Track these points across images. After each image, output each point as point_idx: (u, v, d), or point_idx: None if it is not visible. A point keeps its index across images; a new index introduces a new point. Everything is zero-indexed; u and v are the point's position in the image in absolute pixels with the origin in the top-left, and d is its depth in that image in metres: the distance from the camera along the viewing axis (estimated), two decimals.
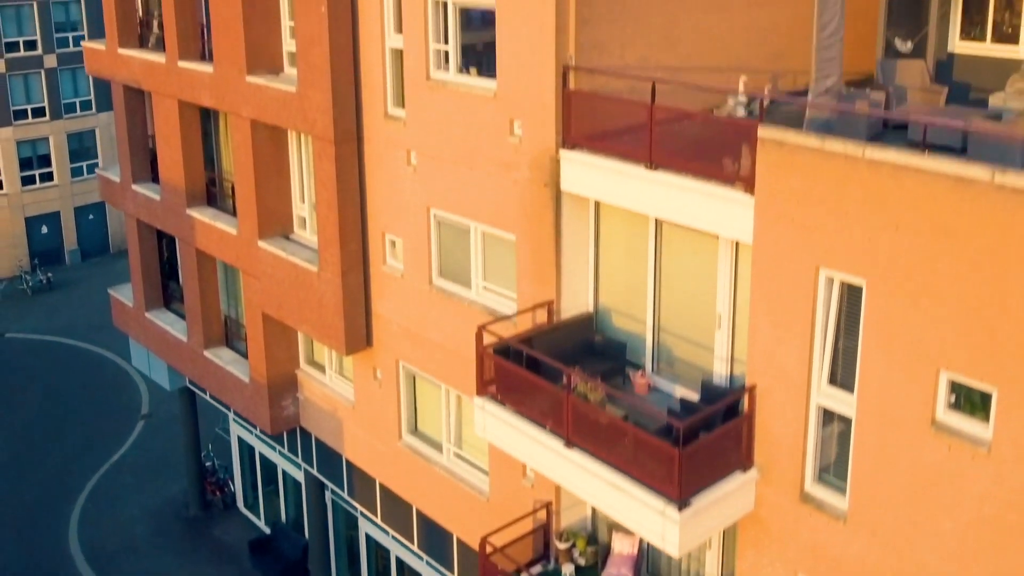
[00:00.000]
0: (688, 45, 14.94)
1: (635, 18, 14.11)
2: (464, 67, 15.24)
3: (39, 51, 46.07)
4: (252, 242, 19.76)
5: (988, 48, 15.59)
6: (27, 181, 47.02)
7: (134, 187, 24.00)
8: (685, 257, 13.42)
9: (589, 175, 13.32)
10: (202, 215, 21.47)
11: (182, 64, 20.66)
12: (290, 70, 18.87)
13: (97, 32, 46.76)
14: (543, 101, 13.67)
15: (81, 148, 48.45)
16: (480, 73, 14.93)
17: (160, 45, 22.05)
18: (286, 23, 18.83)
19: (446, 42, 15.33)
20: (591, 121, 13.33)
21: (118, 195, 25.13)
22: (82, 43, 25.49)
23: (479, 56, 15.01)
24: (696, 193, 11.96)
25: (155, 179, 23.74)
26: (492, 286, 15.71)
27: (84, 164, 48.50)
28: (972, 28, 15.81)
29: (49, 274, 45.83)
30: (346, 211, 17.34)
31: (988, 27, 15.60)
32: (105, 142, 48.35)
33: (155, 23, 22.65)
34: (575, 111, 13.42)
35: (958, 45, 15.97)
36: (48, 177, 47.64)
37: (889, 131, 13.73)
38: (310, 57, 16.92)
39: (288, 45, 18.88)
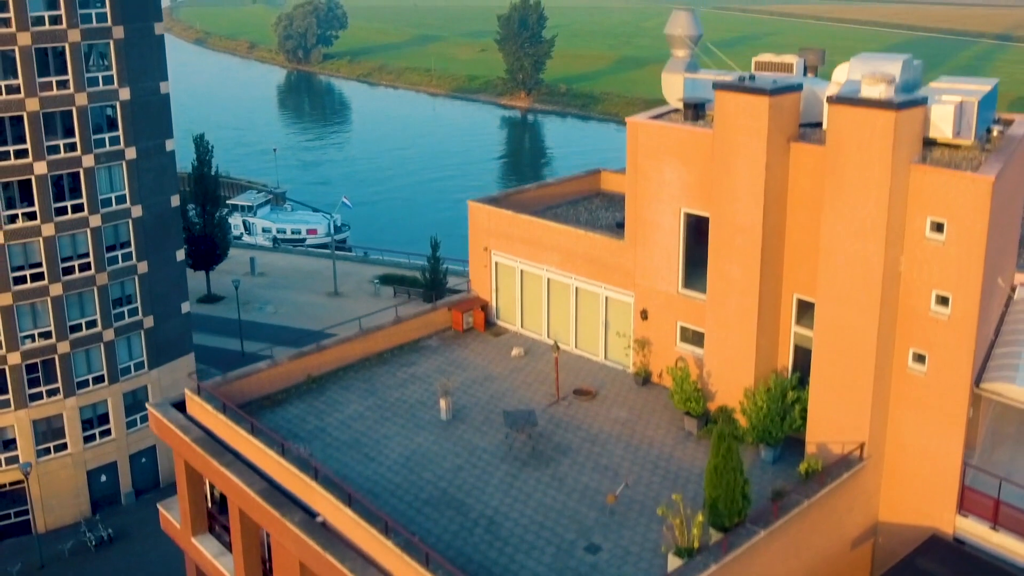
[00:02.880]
0: None
1: None
2: None
3: (99, 328, 50.99)
4: None
5: None
6: (88, 439, 51.91)
7: None
8: None
9: None
10: None
11: None
12: None
13: (147, 307, 51.66)
14: None
15: (135, 402, 53.27)
16: None
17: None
18: None
19: None
20: None
21: None
22: (159, 506, 29.87)
23: None
24: None
25: None
26: None
27: (137, 416, 53.32)
28: None
29: (109, 530, 50.59)
30: None
31: None
32: (156, 397, 53.09)
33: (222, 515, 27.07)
34: None
35: None
36: (106, 433, 52.51)
37: None
38: None
39: None
